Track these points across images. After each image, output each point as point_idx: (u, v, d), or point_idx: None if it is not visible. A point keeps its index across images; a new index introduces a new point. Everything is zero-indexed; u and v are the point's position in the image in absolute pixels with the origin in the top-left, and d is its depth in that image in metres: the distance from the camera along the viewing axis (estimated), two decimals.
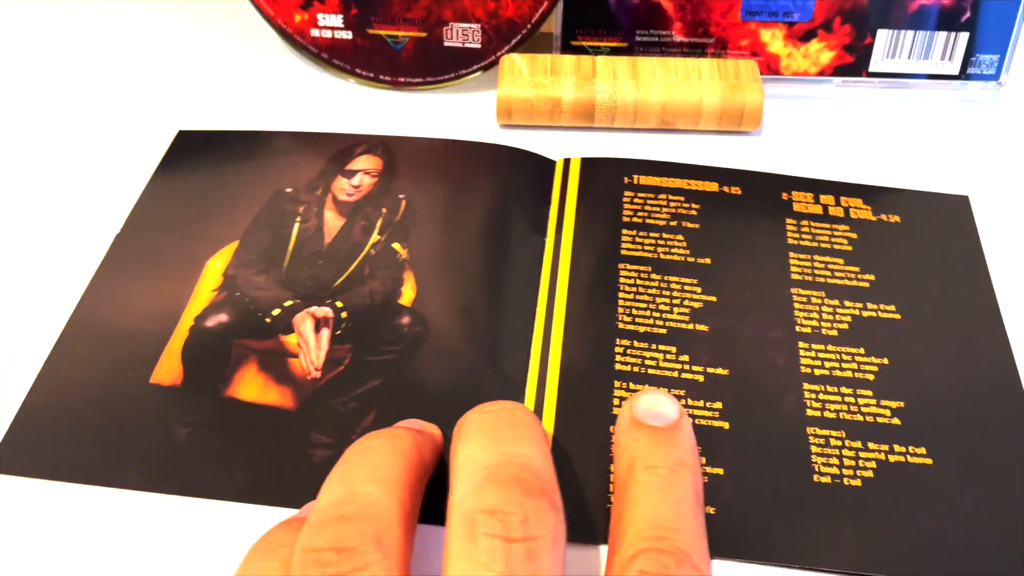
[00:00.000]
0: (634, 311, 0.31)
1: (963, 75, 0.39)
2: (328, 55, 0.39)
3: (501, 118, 0.37)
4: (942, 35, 0.38)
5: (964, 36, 0.38)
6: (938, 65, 0.39)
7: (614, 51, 0.39)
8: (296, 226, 0.33)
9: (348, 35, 0.38)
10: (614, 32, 0.39)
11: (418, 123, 0.38)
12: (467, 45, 0.38)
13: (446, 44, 0.38)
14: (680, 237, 0.33)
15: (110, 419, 0.27)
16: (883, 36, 0.38)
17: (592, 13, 0.38)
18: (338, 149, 0.36)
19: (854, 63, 0.39)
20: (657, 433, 0.24)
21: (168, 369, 0.29)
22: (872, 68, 0.39)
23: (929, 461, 0.27)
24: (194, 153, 0.36)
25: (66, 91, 0.40)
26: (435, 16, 0.37)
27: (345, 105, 0.39)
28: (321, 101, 0.39)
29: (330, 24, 0.38)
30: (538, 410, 0.28)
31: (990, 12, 0.37)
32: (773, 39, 0.39)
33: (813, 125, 0.38)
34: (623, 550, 0.21)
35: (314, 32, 0.38)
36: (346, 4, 0.37)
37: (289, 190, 0.35)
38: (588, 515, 0.25)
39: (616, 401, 0.28)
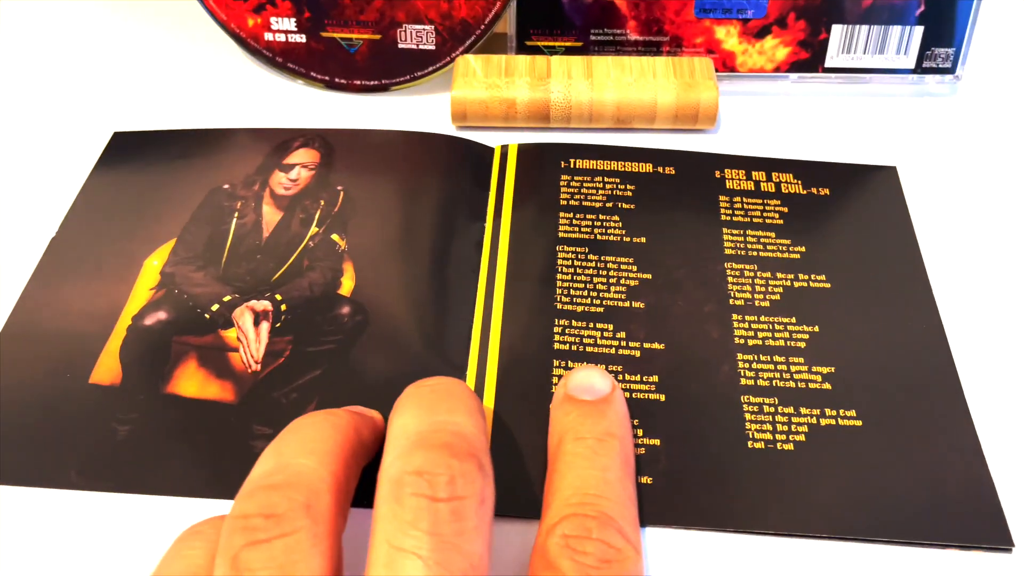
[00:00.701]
0: (572, 291, 0.31)
1: (919, 69, 0.39)
2: (282, 59, 0.39)
3: (456, 120, 0.37)
4: (897, 29, 0.38)
5: (919, 30, 0.38)
6: (894, 60, 0.39)
7: (569, 51, 0.39)
8: (234, 221, 0.33)
9: (302, 39, 0.38)
10: (568, 32, 0.39)
11: (373, 126, 0.38)
12: (421, 47, 0.38)
13: (400, 46, 0.38)
14: (616, 218, 0.34)
15: (49, 421, 0.27)
16: (838, 31, 0.38)
17: (546, 13, 0.38)
18: (275, 144, 0.36)
19: (810, 59, 0.39)
20: (587, 406, 0.24)
21: (107, 369, 0.29)
22: (828, 64, 0.39)
23: (859, 423, 0.28)
24: (130, 154, 0.36)
25: (6, 93, 0.40)
26: (388, 18, 0.37)
27: (300, 109, 0.39)
28: (276, 105, 0.39)
29: (283, 28, 0.38)
30: (479, 392, 0.28)
31: (945, 6, 0.37)
32: (728, 36, 0.39)
33: (770, 122, 0.38)
34: (549, 518, 0.22)
35: (268, 36, 0.38)
36: (299, 7, 0.37)
37: (226, 186, 0.35)
38: (528, 492, 0.26)
39: (555, 380, 0.28)
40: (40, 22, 0.44)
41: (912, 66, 0.39)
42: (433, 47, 0.38)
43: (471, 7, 0.37)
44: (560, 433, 0.24)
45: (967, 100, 0.40)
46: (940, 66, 0.39)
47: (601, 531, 0.21)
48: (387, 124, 0.38)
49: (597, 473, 0.22)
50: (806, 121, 0.38)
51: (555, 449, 0.24)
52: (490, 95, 0.36)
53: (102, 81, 0.40)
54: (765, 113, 0.39)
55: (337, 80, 0.39)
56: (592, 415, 0.24)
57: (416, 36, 0.38)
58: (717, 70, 0.39)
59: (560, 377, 0.28)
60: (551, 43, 0.39)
